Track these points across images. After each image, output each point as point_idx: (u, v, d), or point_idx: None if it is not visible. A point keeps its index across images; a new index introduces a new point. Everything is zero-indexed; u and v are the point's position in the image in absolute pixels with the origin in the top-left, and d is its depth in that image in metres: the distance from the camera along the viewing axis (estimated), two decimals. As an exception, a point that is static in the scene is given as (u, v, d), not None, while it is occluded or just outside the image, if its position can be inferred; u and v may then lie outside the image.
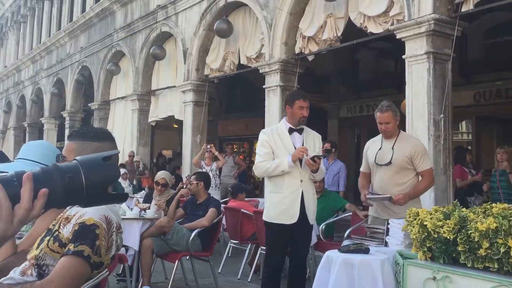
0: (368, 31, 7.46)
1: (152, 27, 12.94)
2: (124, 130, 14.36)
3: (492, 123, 12.12)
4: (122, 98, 14.58)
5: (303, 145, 4.08)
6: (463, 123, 12.31)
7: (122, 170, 10.86)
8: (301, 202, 3.98)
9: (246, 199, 6.99)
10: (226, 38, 10.25)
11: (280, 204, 4.00)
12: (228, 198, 7.46)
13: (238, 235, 6.01)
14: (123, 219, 5.00)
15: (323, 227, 5.90)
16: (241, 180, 11.21)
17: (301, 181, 4.00)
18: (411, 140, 4.31)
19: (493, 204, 2.75)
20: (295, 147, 4.03)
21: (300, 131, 4.16)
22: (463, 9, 6.27)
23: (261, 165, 4.05)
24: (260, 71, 9.28)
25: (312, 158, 3.89)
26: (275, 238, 4.08)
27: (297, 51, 8.82)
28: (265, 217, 4.13)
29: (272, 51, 9.05)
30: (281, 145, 4.06)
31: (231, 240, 6.38)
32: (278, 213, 3.99)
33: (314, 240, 5.65)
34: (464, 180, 7.84)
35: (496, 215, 2.52)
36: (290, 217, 3.96)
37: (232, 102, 17.09)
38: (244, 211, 5.67)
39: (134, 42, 13.92)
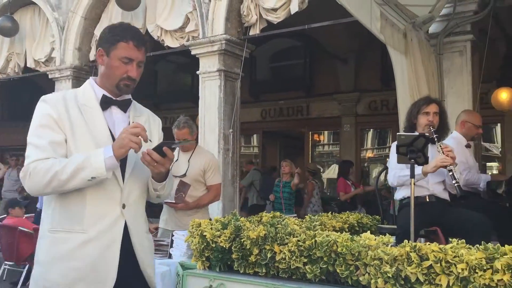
0: (165, 45, 7.57)
1: None
2: None
3: (276, 137, 13.45)
4: None
5: None
6: (254, 137, 13.35)
7: None
8: (125, 248, 2.06)
9: (26, 214, 6.35)
10: (11, 37, 9.26)
11: (72, 258, 1.97)
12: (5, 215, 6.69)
13: (14, 255, 5.41)
14: None
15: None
16: None
17: (124, 206, 2.07)
18: (206, 154, 4.47)
19: (261, 213, 3.01)
20: (112, 134, 2.12)
21: (126, 106, 2.23)
22: (251, 32, 6.83)
23: (41, 168, 1.95)
24: (50, 76, 8.64)
25: (159, 148, 1.99)
26: None
27: (91, 58, 8.46)
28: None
29: (63, 56, 8.51)
30: (84, 129, 2.07)
31: (6, 262, 5.71)
32: (70, 281, 1.97)
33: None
34: (347, 193, 8.18)
35: (265, 224, 2.77)
36: (98, 285, 2.00)
37: (17, 108, 15.44)
38: (22, 228, 5.14)
39: None
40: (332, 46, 10.61)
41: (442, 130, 3.77)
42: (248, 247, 2.71)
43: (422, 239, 3.61)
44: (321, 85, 11.38)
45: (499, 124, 9.59)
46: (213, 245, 2.84)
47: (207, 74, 6.78)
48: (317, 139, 12.59)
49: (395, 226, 3.75)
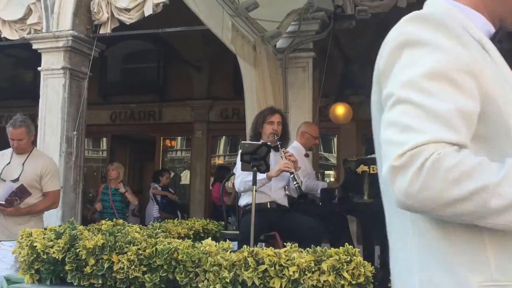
0: (3, 36, 6.88)
1: None
2: None
3: (126, 141, 13.03)
4: None
5: None
6: (103, 140, 12.74)
7: None
8: None
9: None
10: None
11: None
12: None
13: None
14: None
15: None
16: None
17: None
18: (44, 158, 4.21)
19: (103, 221, 2.88)
20: None
21: None
22: (101, 31, 6.51)
23: (449, 164, 0.87)
24: None
25: None
26: None
27: None
28: None
29: None
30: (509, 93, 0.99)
31: None
32: None
33: None
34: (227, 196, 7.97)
35: (104, 232, 2.64)
36: None
37: None
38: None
39: None
40: (187, 53, 10.64)
41: (284, 138, 4.00)
42: (83, 257, 2.55)
43: (264, 244, 3.79)
44: (175, 90, 11.33)
45: (336, 136, 10.52)
46: (44, 257, 2.62)
47: (51, 71, 6.31)
48: (169, 144, 12.48)
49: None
